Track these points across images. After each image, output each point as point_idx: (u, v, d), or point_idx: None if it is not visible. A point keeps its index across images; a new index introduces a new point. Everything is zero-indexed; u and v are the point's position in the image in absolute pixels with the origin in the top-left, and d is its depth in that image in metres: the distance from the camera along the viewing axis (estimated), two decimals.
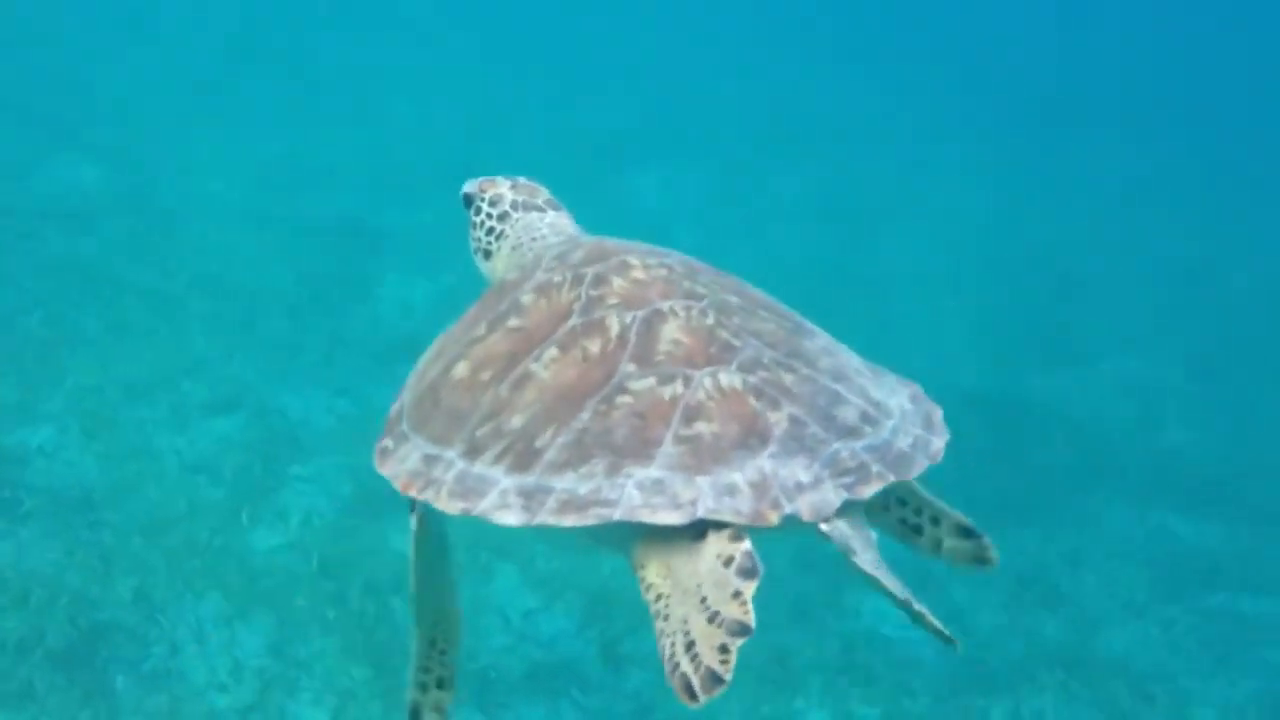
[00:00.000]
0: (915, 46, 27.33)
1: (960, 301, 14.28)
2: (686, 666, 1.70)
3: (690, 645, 1.71)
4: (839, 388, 2.15)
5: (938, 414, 2.32)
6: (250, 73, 17.38)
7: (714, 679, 1.66)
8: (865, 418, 2.11)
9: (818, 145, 20.50)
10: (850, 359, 2.36)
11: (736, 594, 1.72)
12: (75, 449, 7.37)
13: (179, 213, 11.12)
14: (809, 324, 2.47)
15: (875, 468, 2.01)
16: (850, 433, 2.05)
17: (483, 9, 24.12)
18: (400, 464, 2.21)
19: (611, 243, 2.56)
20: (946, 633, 1.81)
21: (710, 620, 1.71)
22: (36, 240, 9.90)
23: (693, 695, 1.66)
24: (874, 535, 2.03)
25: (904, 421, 2.19)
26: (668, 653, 1.74)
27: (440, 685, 2.53)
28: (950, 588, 7.70)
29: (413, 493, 2.14)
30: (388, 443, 2.32)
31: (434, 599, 2.48)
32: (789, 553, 6.94)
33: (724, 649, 1.68)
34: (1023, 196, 18.59)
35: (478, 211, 2.97)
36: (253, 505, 7.26)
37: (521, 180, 3.06)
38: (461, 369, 2.27)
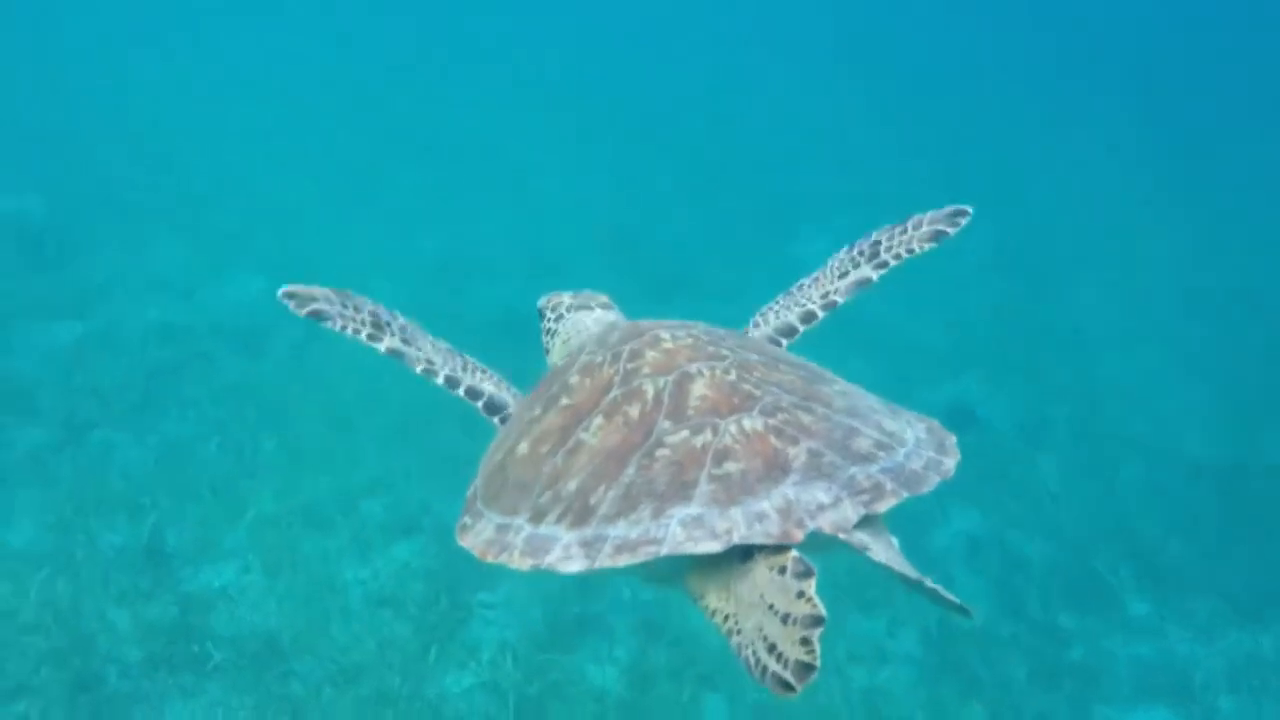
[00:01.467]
0: (1078, 73, 26.15)
1: (1170, 354, 13.29)
2: (775, 666, 1.93)
3: (772, 648, 1.94)
4: (854, 423, 2.43)
5: (951, 440, 2.56)
6: (402, 163, 17.55)
7: (805, 668, 1.90)
8: (879, 445, 2.39)
9: (981, 190, 19.68)
10: (867, 399, 2.61)
11: (800, 593, 1.97)
12: (259, 590, 7.20)
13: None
14: (827, 373, 2.76)
15: (890, 485, 2.29)
16: (865, 459, 2.33)
17: (609, 84, 24.01)
18: (478, 536, 2.49)
19: (643, 322, 2.86)
20: (962, 605, 2.09)
21: (785, 621, 1.95)
22: (211, 361, 9.94)
23: (789, 687, 1.90)
24: (895, 540, 2.32)
25: (917, 447, 2.45)
26: (752, 661, 1.98)
27: None
28: None
29: (489, 558, 2.41)
30: (466, 520, 2.62)
31: None
32: None
33: (805, 641, 1.92)
34: (1215, 231, 17.39)
35: (542, 319, 3.45)
36: (441, 641, 6.96)
37: (584, 291, 3.48)
38: (523, 447, 2.62)
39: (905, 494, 2.33)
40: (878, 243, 3.38)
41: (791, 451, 2.28)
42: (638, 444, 2.36)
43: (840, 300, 3.27)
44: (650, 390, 2.47)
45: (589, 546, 2.23)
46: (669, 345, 2.61)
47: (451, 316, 11.62)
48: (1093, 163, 21.55)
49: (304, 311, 3.21)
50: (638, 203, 16.73)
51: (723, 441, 2.28)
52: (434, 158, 17.89)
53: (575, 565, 2.24)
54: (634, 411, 2.44)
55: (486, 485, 2.69)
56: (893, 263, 3.33)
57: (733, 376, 2.47)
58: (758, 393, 2.42)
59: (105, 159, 15.67)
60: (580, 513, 2.29)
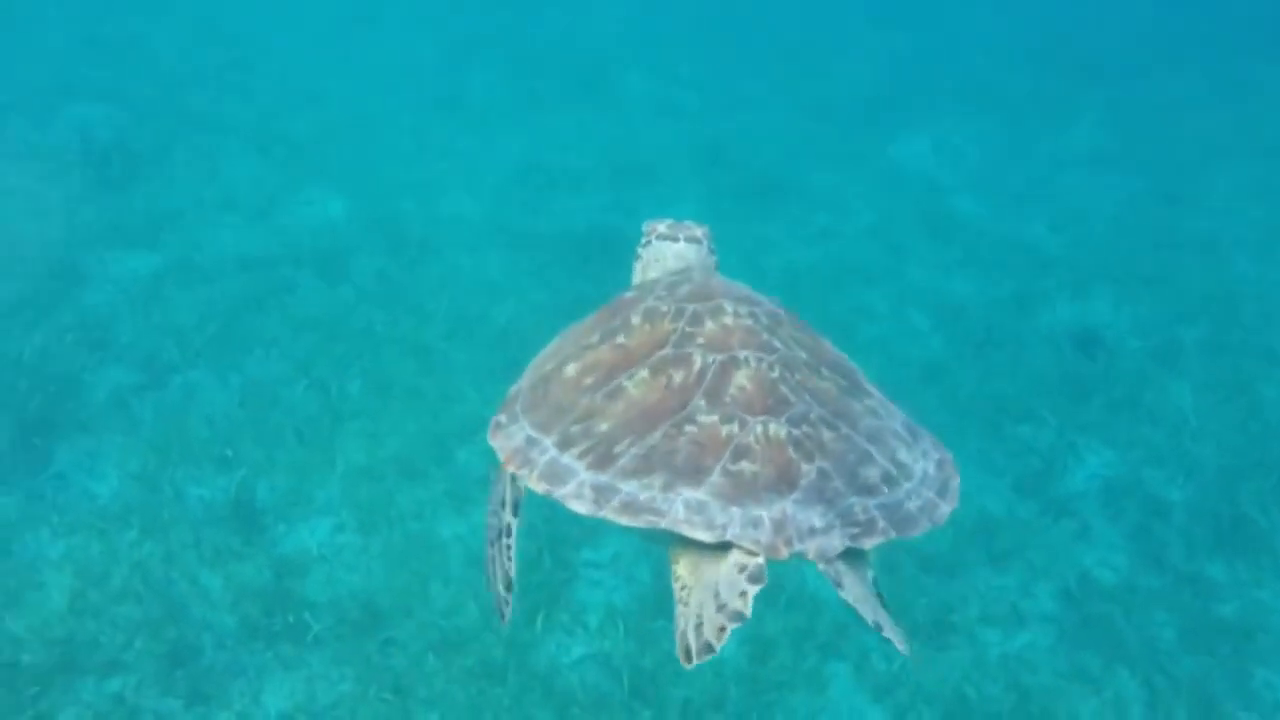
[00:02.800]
0: None
1: None
2: (691, 638, 2.22)
3: (699, 625, 2.21)
4: (871, 448, 2.56)
5: (955, 481, 2.70)
6: (476, 67, 16.96)
7: (707, 648, 2.19)
8: (886, 478, 2.52)
9: (1107, 76, 18.62)
10: (891, 421, 2.73)
11: (743, 593, 2.23)
12: (354, 549, 6.94)
13: (430, 243, 10.65)
14: (864, 382, 2.88)
15: (881, 524, 2.41)
16: (868, 490, 2.46)
17: None
18: (508, 440, 2.67)
19: (716, 283, 3.03)
20: (902, 647, 2.24)
21: (719, 609, 2.22)
22: (292, 291, 9.63)
23: (689, 658, 2.21)
24: (870, 574, 2.42)
25: (920, 485, 2.58)
26: (680, 627, 2.27)
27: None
28: None
29: (512, 468, 2.59)
30: (502, 418, 2.79)
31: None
32: None
33: (722, 629, 2.21)
34: None
35: (639, 243, 3.52)
36: (547, 606, 6.65)
37: (684, 222, 3.60)
38: (571, 369, 2.78)
39: (893, 535, 2.46)
40: None
41: (804, 467, 2.42)
42: (671, 411, 2.51)
43: None
44: (698, 362, 2.62)
45: (600, 493, 2.41)
46: (728, 321, 2.76)
47: (531, 231, 11.23)
48: (1220, 39, 20.29)
49: (510, 607, 3.03)
50: (729, 105, 16.05)
51: (746, 439, 2.43)
52: (514, 60, 17.27)
53: (582, 507, 2.42)
54: (678, 377, 2.60)
55: (529, 392, 2.84)
56: None
57: (775, 374, 2.60)
58: (792, 399, 2.56)
59: (169, 64, 15.31)
60: (602, 456, 2.47)
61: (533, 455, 2.59)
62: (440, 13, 19.24)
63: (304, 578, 6.68)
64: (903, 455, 2.66)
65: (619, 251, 11.14)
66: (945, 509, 2.61)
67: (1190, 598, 7.31)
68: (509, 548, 2.90)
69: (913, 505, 2.54)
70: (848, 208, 13.03)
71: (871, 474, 2.53)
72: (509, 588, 2.93)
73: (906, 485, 2.58)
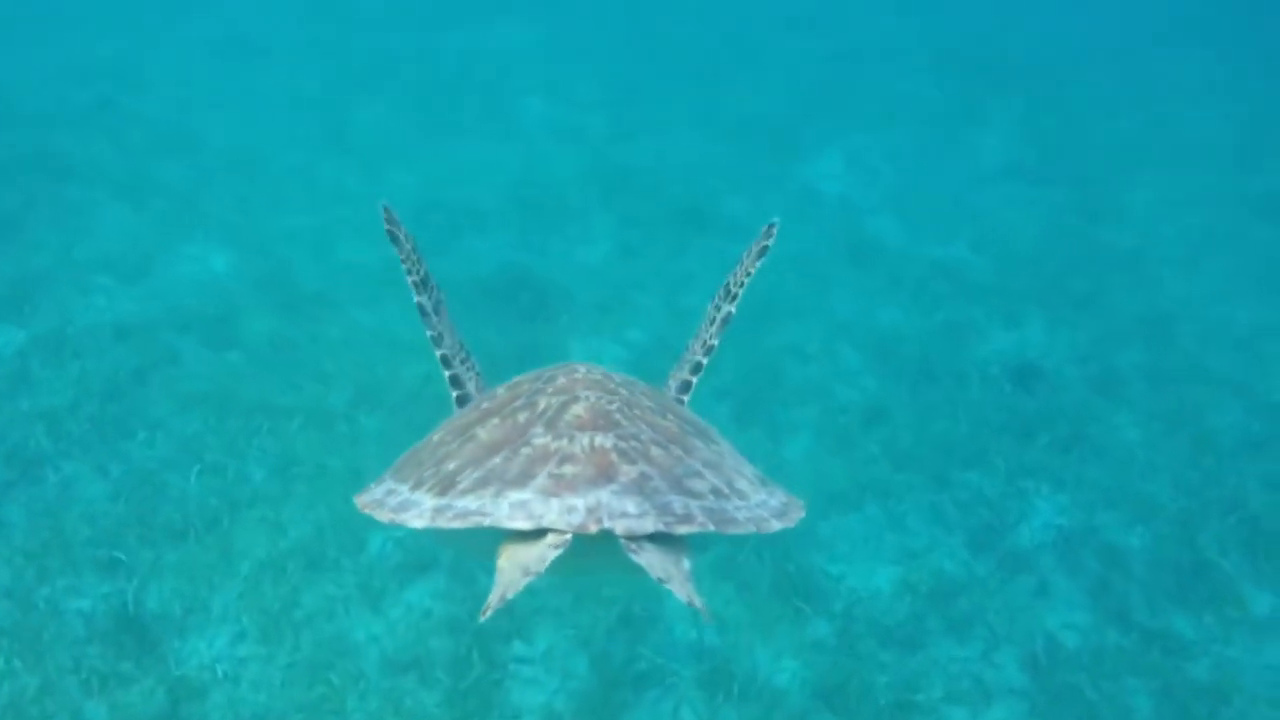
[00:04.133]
0: None
1: (1241, 266, 12.59)
2: (493, 596, 2.49)
3: (503, 591, 2.47)
4: (703, 470, 2.79)
5: (796, 514, 2.87)
6: (366, 97, 16.39)
7: (500, 599, 2.46)
8: (714, 491, 2.73)
9: (1014, 80, 18.71)
10: (739, 466, 2.98)
11: (542, 558, 2.45)
12: (259, 662, 6.39)
13: (326, 297, 10.10)
14: (720, 441, 3.14)
15: (699, 518, 2.60)
16: (691, 494, 2.67)
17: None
18: (367, 494, 3.00)
19: (582, 365, 3.22)
20: (707, 618, 2.44)
21: (524, 573, 2.46)
22: (177, 363, 8.98)
23: (485, 610, 2.48)
24: (687, 565, 2.55)
25: (754, 506, 2.77)
26: (492, 594, 2.52)
27: None
28: None
29: (364, 509, 2.93)
30: (371, 485, 3.08)
31: None
32: None
33: (513, 586, 2.46)
34: (1275, 124, 16.52)
35: None
36: (480, 714, 6.16)
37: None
38: (437, 436, 3.15)
39: (711, 527, 2.59)
40: (726, 284, 3.95)
41: (625, 468, 2.63)
42: (511, 441, 2.78)
43: (715, 343, 3.85)
44: (541, 404, 2.89)
45: (438, 511, 2.65)
46: (578, 376, 3.06)
47: (434, 276, 10.68)
48: (1136, 51, 20.55)
49: (388, 228, 3.70)
50: (635, 127, 15.72)
51: (572, 449, 2.67)
52: (407, 89, 16.75)
53: (420, 522, 2.67)
54: (521, 418, 2.87)
55: (401, 462, 3.16)
56: (739, 290, 3.92)
57: (611, 407, 2.85)
58: (625, 422, 2.81)
59: (27, 104, 14.47)
60: (445, 486, 2.73)
61: (385, 499, 2.88)
62: (326, 39, 18.64)
63: (202, 701, 6.12)
64: (741, 485, 2.85)
65: (530, 295, 10.75)
66: (775, 524, 2.76)
67: (1159, 658, 7.10)
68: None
69: (738, 514, 2.70)
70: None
71: (698, 485, 2.72)
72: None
73: (738, 502, 2.75)
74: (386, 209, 3.68)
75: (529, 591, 2.58)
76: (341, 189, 12.93)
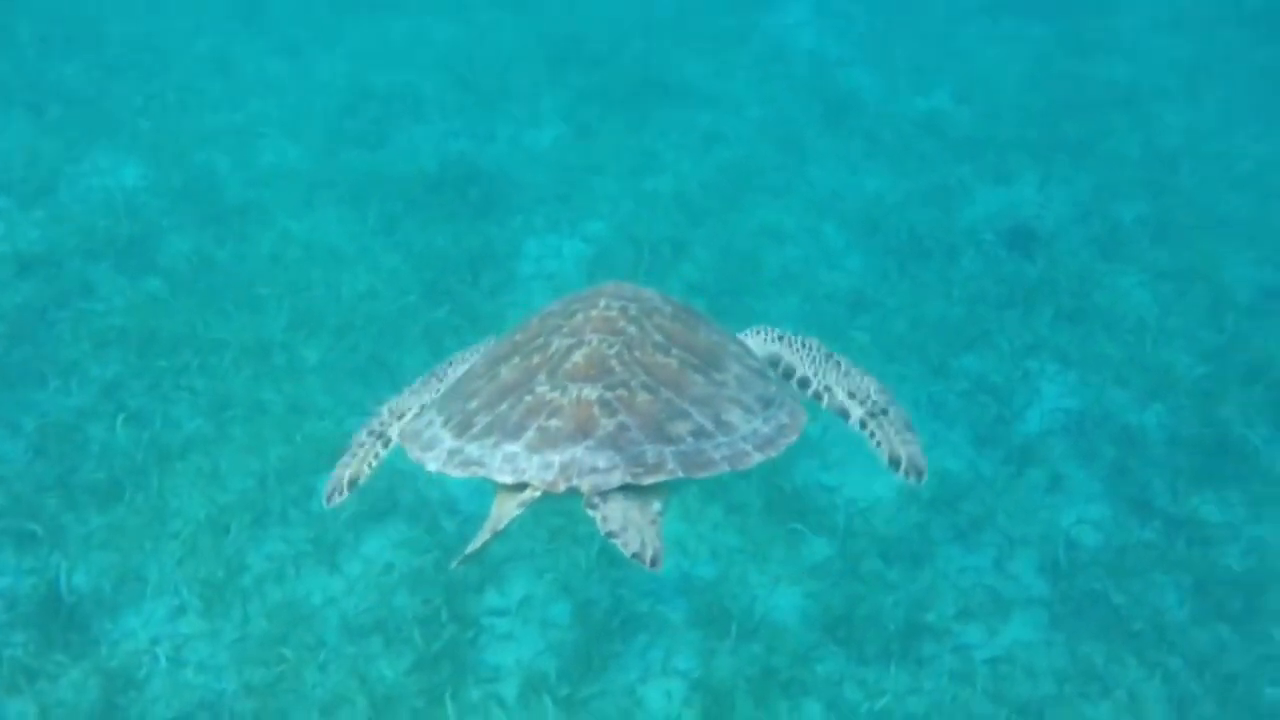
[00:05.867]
0: None
1: (1246, 97, 11.94)
2: (476, 541, 2.87)
3: (489, 534, 2.88)
4: (691, 409, 3.06)
5: (786, 439, 3.14)
6: None
7: (475, 557, 2.88)
8: (696, 432, 3.00)
9: None
10: (739, 392, 3.20)
11: (517, 508, 2.86)
12: (203, 639, 5.95)
13: (252, 208, 9.42)
14: (730, 363, 3.33)
15: (670, 465, 2.89)
16: (669, 440, 2.95)
17: None
18: (412, 423, 3.43)
19: (612, 286, 3.56)
20: (656, 569, 2.80)
21: (494, 527, 2.90)
22: (90, 296, 8.34)
23: (459, 560, 2.91)
24: (657, 508, 2.90)
25: (738, 439, 3.05)
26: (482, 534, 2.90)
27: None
28: None
29: (403, 442, 3.35)
30: (420, 410, 3.61)
31: None
32: None
33: (491, 536, 2.88)
34: None
35: None
36: (454, 682, 5.76)
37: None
38: (477, 367, 3.54)
39: (681, 473, 2.88)
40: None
41: (605, 422, 2.94)
42: (520, 385, 3.11)
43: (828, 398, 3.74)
44: (553, 347, 3.21)
45: (450, 455, 3.05)
46: (594, 313, 3.30)
47: (372, 176, 10.01)
48: None
49: (342, 498, 3.85)
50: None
51: (561, 401, 2.99)
52: None
53: (433, 466, 3.10)
54: (534, 360, 3.20)
55: (447, 390, 3.52)
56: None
57: (611, 352, 3.14)
58: (618, 369, 3.10)
59: None
60: (463, 426, 3.10)
61: (422, 431, 3.24)
62: None
63: (140, 690, 5.69)
64: (730, 417, 3.09)
65: (478, 190, 10.06)
66: (756, 457, 3.03)
67: (1186, 549, 6.74)
68: (376, 456, 3.80)
69: (716, 454, 2.97)
70: (733, 101, 12.05)
71: (679, 428, 2.99)
72: (352, 485, 3.80)
73: (720, 439, 3.02)
74: (329, 496, 3.91)
75: (500, 537, 2.95)
76: (262, 78, 12.11)
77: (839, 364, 3.80)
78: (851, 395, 3.70)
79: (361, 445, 3.85)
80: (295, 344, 7.97)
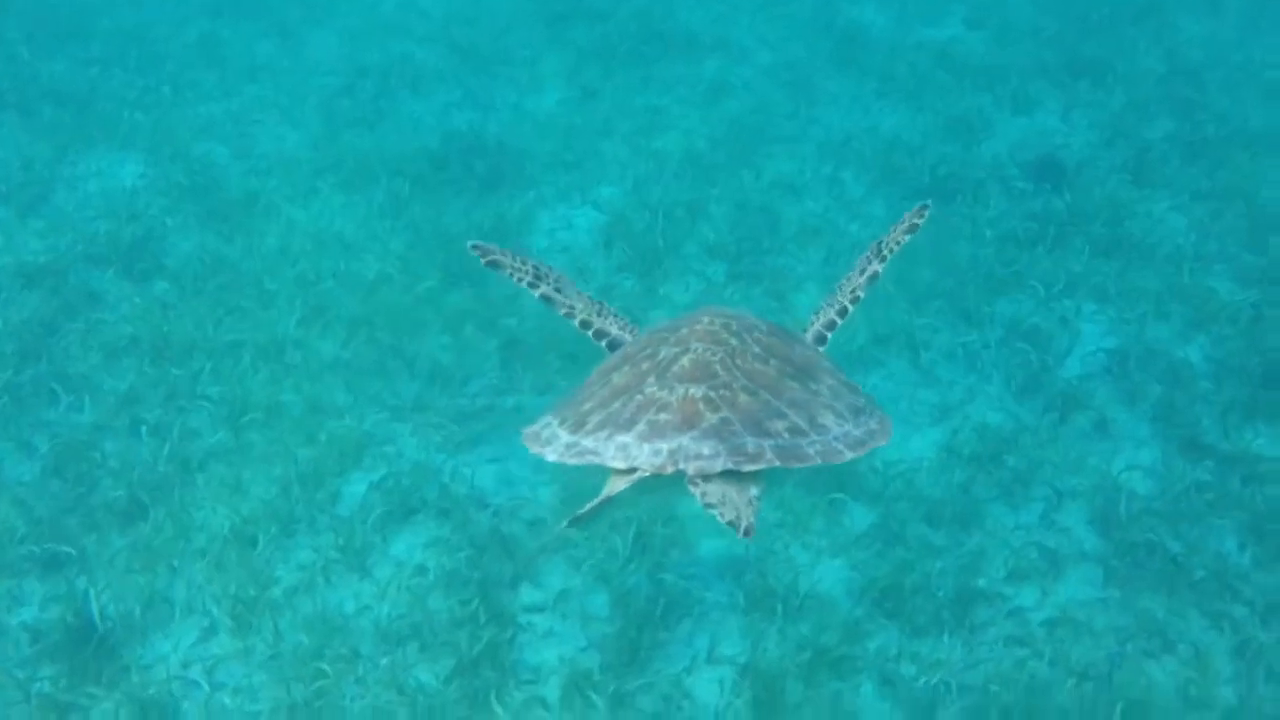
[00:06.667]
0: None
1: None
2: (590, 505, 3.15)
3: (601, 500, 3.16)
4: (787, 410, 3.31)
5: (876, 442, 3.40)
6: None
7: (581, 519, 3.15)
8: (793, 430, 3.24)
9: None
10: (833, 400, 3.46)
11: (627, 482, 3.15)
12: (235, 659, 5.81)
13: (255, 199, 9.26)
14: (824, 376, 3.60)
15: (768, 455, 3.14)
16: (767, 434, 3.20)
17: None
18: (532, 426, 3.60)
19: (719, 309, 3.84)
20: (744, 535, 3.00)
21: (607, 493, 3.17)
22: (97, 304, 8.19)
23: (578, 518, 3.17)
24: (755, 492, 3.14)
25: (830, 439, 3.29)
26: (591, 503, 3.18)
27: None
28: None
29: (526, 443, 3.53)
30: (540, 416, 3.69)
31: None
32: None
33: (602, 501, 3.15)
34: None
35: None
36: (495, 685, 5.61)
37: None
38: (594, 375, 3.77)
39: (777, 463, 3.13)
40: (877, 244, 4.29)
41: (709, 416, 3.21)
42: (630, 388, 3.42)
43: (862, 294, 4.19)
44: (661, 355, 3.51)
45: (568, 447, 3.34)
46: (699, 328, 3.61)
47: (375, 156, 9.78)
48: None
49: (487, 261, 4.19)
50: None
51: (669, 399, 3.27)
52: None
53: (552, 457, 3.36)
54: (644, 367, 3.50)
55: (565, 398, 3.73)
56: (889, 254, 4.24)
57: (715, 358, 3.43)
58: (721, 373, 3.37)
59: None
60: (578, 424, 3.40)
61: (541, 432, 3.49)
62: None
63: (176, 718, 5.53)
64: (824, 420, 3.34)
65: (485, 163, 9.81)
66: (847, 455, 3.26)
67: (1241, 488, 6.52)
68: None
69: (810, 450, 3.21)
70: (737, 47, 11.74)
71: (777, 425, 3.23)
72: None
73: (815, 437, 3.25)
74: (476, 246, 4.21)
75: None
76: (254, 62, 11.86)
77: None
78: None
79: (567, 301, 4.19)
80: (310, 340, 7.80)
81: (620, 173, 9.35)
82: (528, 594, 6.11)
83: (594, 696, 5.52)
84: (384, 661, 5.77)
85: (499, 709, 5.48)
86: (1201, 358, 7.42)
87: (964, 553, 6.21)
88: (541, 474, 6.79)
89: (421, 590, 6.11)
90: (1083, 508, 6.47)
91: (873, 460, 6.72)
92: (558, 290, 4.22)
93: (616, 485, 3.20)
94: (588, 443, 3.31)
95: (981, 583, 6.05)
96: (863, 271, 4.24)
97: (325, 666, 5.72)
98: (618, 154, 9.68)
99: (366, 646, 5.87)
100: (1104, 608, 5.91)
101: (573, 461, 3.29)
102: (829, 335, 4.14)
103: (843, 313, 4.17)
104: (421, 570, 6.23)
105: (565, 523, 3.21)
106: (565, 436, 3.40)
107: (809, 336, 4.12)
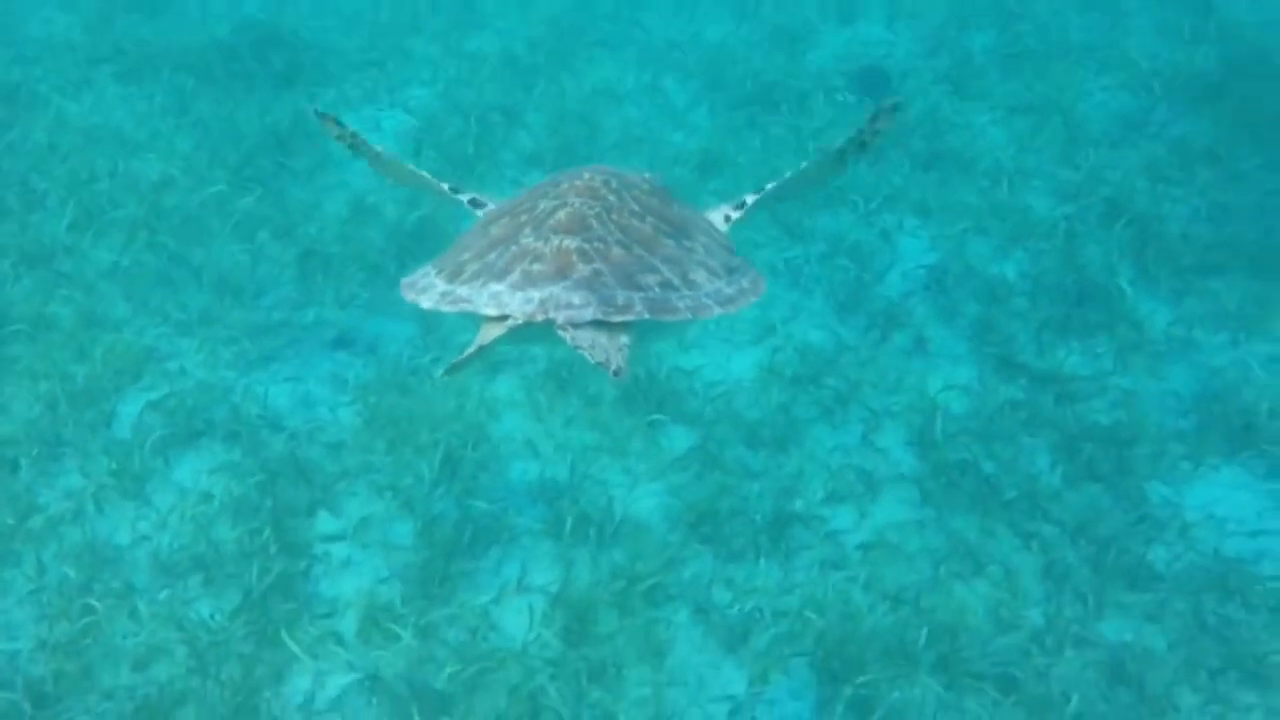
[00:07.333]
0: None
1: None
2: (466, 354, 3.10)
3: (475, 349, 3.11)
4: (659, 264, 3.29)
5: (745, 300, 3.38)
6: None
7: (454, 367, 3.10)
8: (664, 284, 3.23)
9: None
10: (706, 258, 3.43)
11: (499, 331, 3.12)
12: None
13: (22, 89, 8.48)
14: (698, 235, 3.54)
15: (637, 307, 3.13)
16: (638, 287, 3.19)
17: None
18: (410, 277, 3.56)
19: (599, 167, 3.74)
20: (615, 376, 3.00)
21: (480, 343, 3.13)
22: None
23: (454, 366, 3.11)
24: (625, 341, 3.11)
25: (700, 294, 3.27)
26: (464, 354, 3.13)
27: None
28: None
29: (401, 292, 3.49)
30: (420, 268, 3.63)
31: None
32: None
33: (469, 356, 3.09)
34: None
35: None
36: (290, 615, 5.24)
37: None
38: (474, 228, 3.72)
39: (647, 315, 3.12)
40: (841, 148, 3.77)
41: (581, 266, 3.19)
42: (507, 239, 3.38)
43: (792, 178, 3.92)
44: (540, 207, 3.45)
45: (442, 296, 3.31)
46: (578, 183, 3.55)
47: (158, 44, 9.01)
48: None
49: (337, 138, 3.91)
50: None
51: (543, 249, 3.24)
52: None
53: (426, 305, 3.33)
54: (522, 219, 3.44)
55: (449, 250, 3.66)
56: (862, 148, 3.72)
57: (591, 212, 3.38)
58: (596, 226, 3.34)
59: None
60: (454, 273, 3.37)
61: (418, 281, 3.48)
62: None
63: None
64: (696, 276, 3.30)
65: (282, 57, 9.14)
66: (716, 310, 3.23)
67: (1053, 405, 6.54)
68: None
69: (680, 304, 3.18)
70: None
71: (648, 279, 3.20)
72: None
73: (686, 292, 3.22)
74: (321, 116, 3.87)
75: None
76: None
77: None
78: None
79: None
80: (83, 246, 7.16)
81: (431, 74, 8.84)
82: (325, 522, 5.75)
83: (395, 628, 5.20)
84: (162, 595, 5.34)
85: (290, 643, 5.11)
86: (1018, 275, 7.42)
87: (782, 475, 6.06)
88: (343, 394, 6.38)
89: (206, 519, 5.67)
90: (900, 428, 6.39)
91: (693, 381, 6.53)
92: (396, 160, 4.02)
93: (490, 334, 3.20)
94: (462, 291, 3.30)
95: (798, 505, 5.92)
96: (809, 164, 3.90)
97: (94, 602, 5.24)
98: (428, 53, 9.15)
99: (142, 580, 5.43)
100: (919, 530, 5.84)
101: (447, 309, 3.29)
102: (734, 215, 4.01)
103: (759, 191, 4.01)
104: (206, 497, 5.79)
105: (441, 372, 3.23)
106: (441, 285, 3.38)
107: (717, 214, 3.97)
